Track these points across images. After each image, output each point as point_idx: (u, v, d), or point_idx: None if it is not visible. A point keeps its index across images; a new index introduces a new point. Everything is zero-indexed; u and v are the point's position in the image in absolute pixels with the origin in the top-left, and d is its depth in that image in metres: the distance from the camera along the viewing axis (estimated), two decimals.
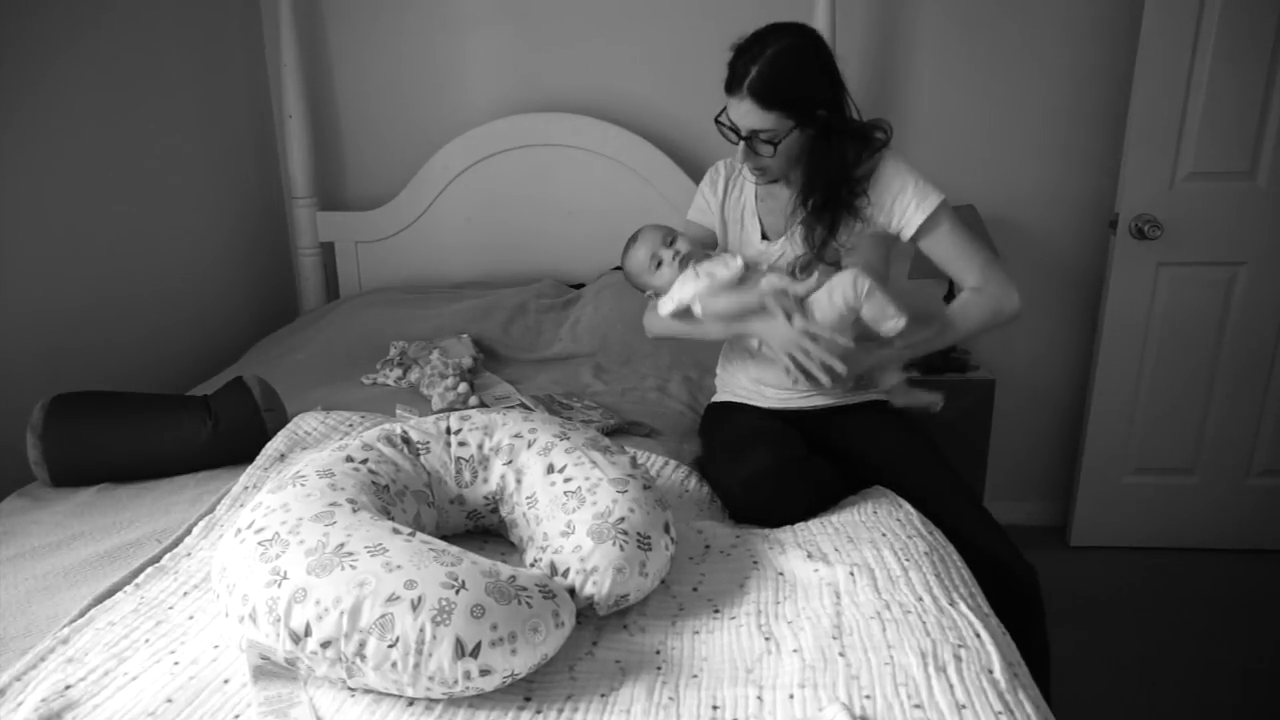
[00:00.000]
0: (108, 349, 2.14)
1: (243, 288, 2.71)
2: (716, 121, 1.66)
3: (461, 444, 1.45)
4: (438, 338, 2.31)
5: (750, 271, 1.71)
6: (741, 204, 1.82)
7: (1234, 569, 2.69)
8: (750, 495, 1.58)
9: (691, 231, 1.85)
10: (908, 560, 1.34)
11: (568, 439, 1.42)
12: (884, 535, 1.43)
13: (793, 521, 1.56)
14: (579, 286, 2.62)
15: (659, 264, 1.74)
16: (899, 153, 1.70)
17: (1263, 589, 2.60)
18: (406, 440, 1.44)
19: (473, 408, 1.95)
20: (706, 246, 1.83)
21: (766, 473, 1.58)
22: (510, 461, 1.43)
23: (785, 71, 1.57)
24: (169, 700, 1.05)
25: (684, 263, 1.72)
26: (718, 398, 1.92)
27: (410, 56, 2.73)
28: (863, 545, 1.40)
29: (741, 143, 1.63)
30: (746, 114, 1.59)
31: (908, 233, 1.68)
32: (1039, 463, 2.95)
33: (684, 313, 1.73)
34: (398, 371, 2.15)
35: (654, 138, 2.66)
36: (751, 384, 1.83)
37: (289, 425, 1.73)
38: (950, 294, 2.66)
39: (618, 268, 2.66)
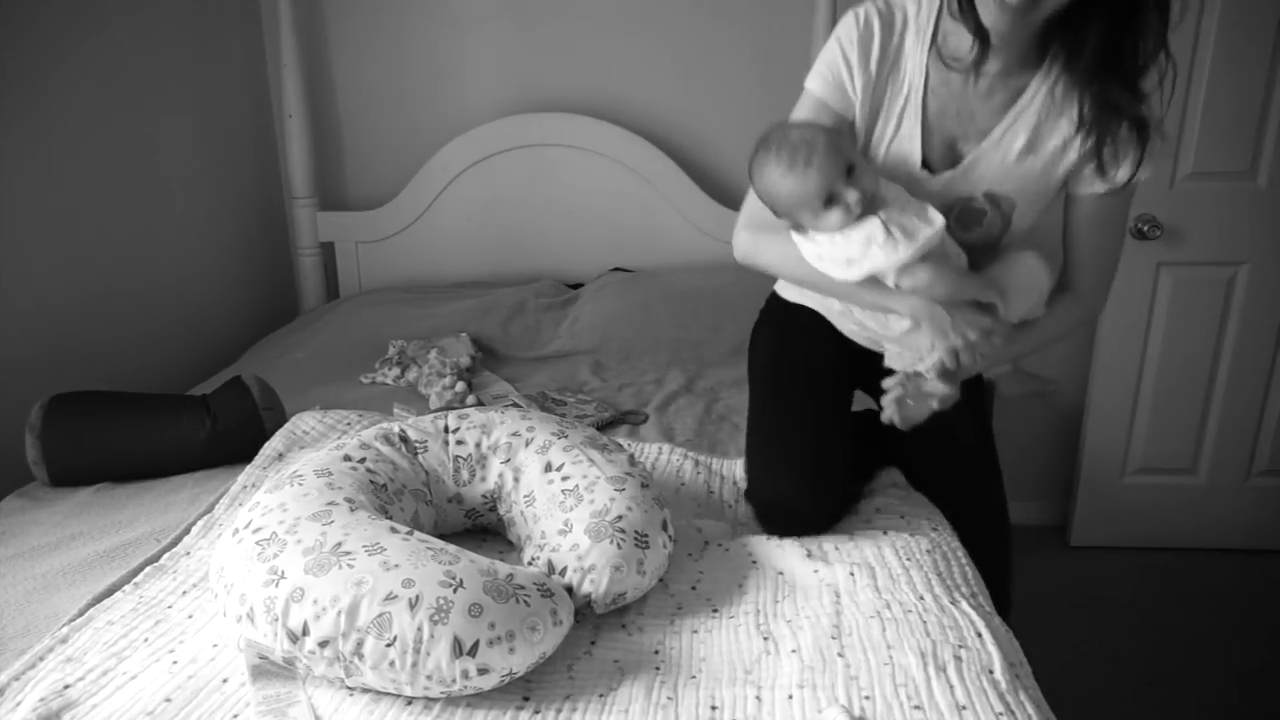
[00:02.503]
0: (107, 349, 2.14)
1: (243, 288, 2.71)
2: None
3: (459, 442, 1.45)
4: (436, 337, 2.31)
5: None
6: (902, 95, 1.26)
7: (1234, 569, 2.69)
8: (766, 522, 1.48)
9: (804, 107, 1.31)
10: (909, 559, 1.34)
11: (565, 437, 1.42)
12: (885, 534, 1.42)
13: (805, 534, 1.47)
14: (578, 286, 2.62)
15: (830, 201, 1.22)
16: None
17: (1263, 589, 2.59)
18: (404, 439, 1.44)
19: (470, 406, 1.95)
20: (855, 154, 1.27)
21: (786, 505, 1.44)
22: (508, 460, 1.43)
23: None
24: (168, 700, 1.05)
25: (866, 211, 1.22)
26: (790, 294, 1.54)
27: (410, 56, 2.72)
28: (863, 544, 1.40)
29: None
30: None
31: (1109, 179, 1.25)
32: (1039, 463, 2.94)
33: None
34: (396, 370, 2.15)
35: (654, 138, 2.66)
36: (841, 314, 1.46)
37: (287, 425, 1.73)
38: None
39: (617, 268, 2.67)
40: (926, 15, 1.25)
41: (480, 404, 1.99)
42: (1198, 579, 2.65)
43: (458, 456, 1.44)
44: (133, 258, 2.23)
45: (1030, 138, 1.27)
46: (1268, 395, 2.64)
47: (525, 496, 1.38)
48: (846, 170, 1.21)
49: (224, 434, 1.70)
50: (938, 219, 1.22)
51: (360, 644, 1.02)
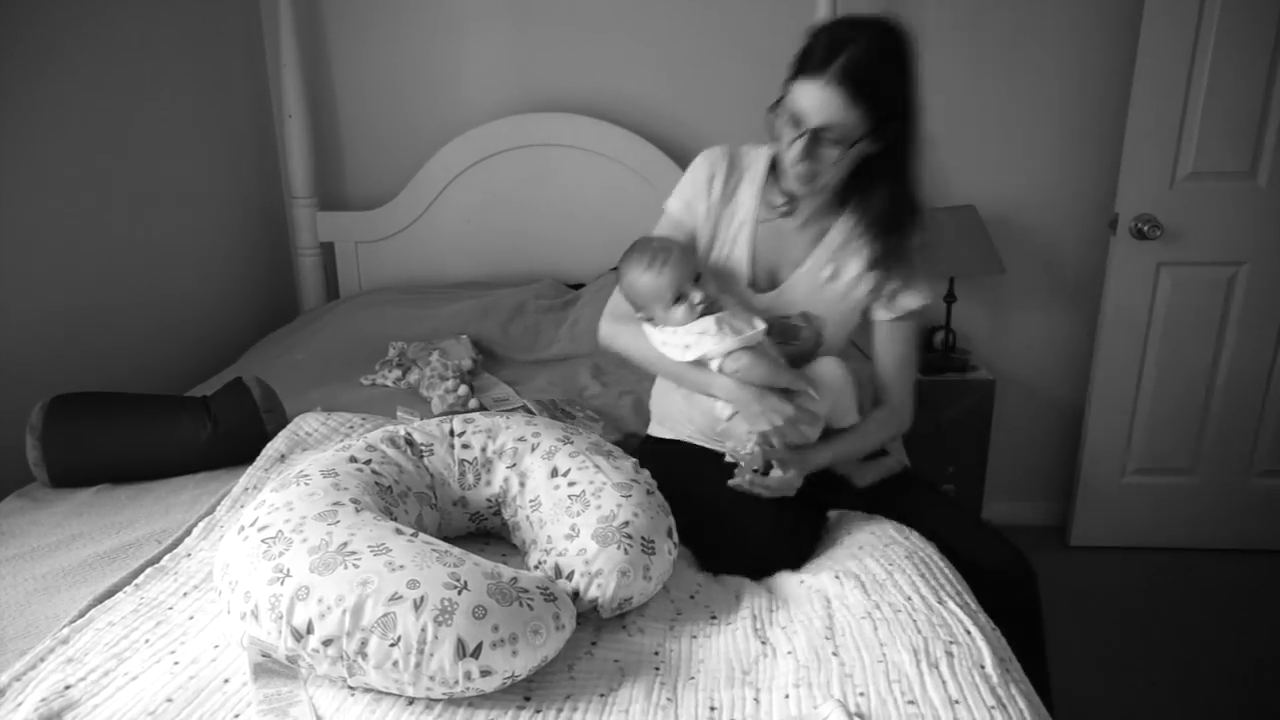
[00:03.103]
0: (107, 349, 2.14)
1: (243, 288, 2.71)
2: (771, 110, 1.43)
3: (465, 446, 1.45)
4: (436, 338, 2.31)
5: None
6: (736, 226, 1.55)
7: (1234, 569, 2.69)
8: (750, 572, 1.42)
9: (662, 225, 1.60)
10: (890, 565, 1.35)
11: (571, 443, 1.43)
12: (861, 548, 1.42)
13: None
14: (578, 287, 2.62)
15: (678, 299, 1.48)
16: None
17: (1263, 589, 2.60)
18: (410, 442, 1.44)
19: (473, 410, 1.95)
20: (700, 265, 1.58)
21: (761, 549, 1.43)
22: (514, 465, 1.43)
23: (882, 63, 1.36)
24: (169, 700, 1.05)
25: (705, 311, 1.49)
26: (659, 432, 1.71)
27: (410, 56, 2.73)
28: (844, 559, 1.40)
29: (801, 140, 1.38)
30: (826, 103, 1.35)
31: (901, 303, 1.54)
32: (1039, 463, 2.95)
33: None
34: (396, 372, 2.15)
35: (654, 138, 2.66)
36: (689, 421, 1.63)
37: (290, 426, 1.73)
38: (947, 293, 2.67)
39: (617, 269, 2.66)
40: (761, 167, 1.56)
41: (483, 408, 1.99)
42: (1197, 579, 2.65)
43: (463, 460, 1.44)
44: (133, 259, 2.23)
45: (834, 269, 1.56)
46: (1267, 395, 2.64)
47: (531, 501, 1.38)
48: (694, 277, 1.49)
49: (225, 435, 1.70)
50: (760, 324, 1.49)
51: (364, 643, 1.02)
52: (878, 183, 1.45)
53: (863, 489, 1.61)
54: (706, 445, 1.62)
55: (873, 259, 1.51)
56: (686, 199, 1.59)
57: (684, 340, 1.49)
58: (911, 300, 1.54)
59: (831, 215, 1.55)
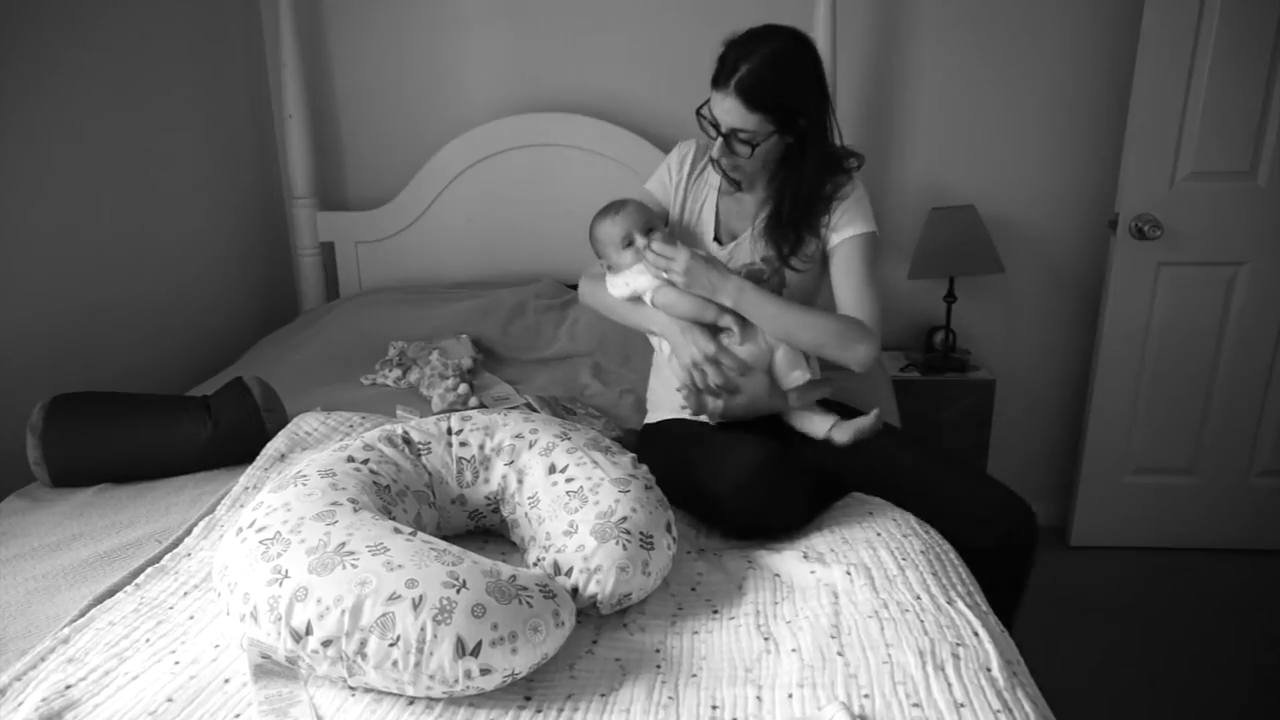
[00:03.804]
0: (107, 349, 2.14)
1: (243, 288, 2.71)
2: (698, 114, 1.64)
3: (463, 444, 1.45)
4: (437, 338, 2.31)
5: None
6: (704, 195, 1.80)
7: (1234, 569, 2.69)
8: (743, 500, 1.44)
9: (643, 198, 1.84)
10: (904, 560, 1.34)
11: (569, 439, 1.43)
12: (879, 535, 1.43)
13: (789, 529, 1.49)
14: (578, 286, 2.62)
15: (628, 244, 1.71)
16: (863, 184, 1.72)
17: (1263, 589, 2.60)
18: (408, 441, 1.44)
19: (473, 409, 1.95)
20: (660, 220, 1.80)
21: (758, 472, 1.44)
22: (512, 462, 1.43)
23: (776, 74, 1.55)
24: (169, 700, 1.06)
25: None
26: (654, 417, 1.84)
27: (410, 56, 2.73)
28: (859, 546, 1.40)
29: (719, 139, 1.62)
30: (730, 111, 1.57)
31: (832, 241, 1.69)
32: (1039, 463, 2.95)
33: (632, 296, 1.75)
34: (397, 372, 2.15)
35: (654, 138, 2.66)
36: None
37: (289, 425, 1.73)
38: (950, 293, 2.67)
39: None
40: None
41: (483, 406, 1.99)
42: (1197, 579, 2.65)
43: (461, 458, 1.44)
44: (133, 258, 2.23)
45: None
46: (1267, 395, 2.64)
47: (529, 498, 1.38)
48: (646, 230, 1.70)
49: (225, 435, 1.70)
50: (683, 252, 1.65)
51: (363, 643, 1.02)
52: (797, 162, 1.65)
53: (844, 445, 1.65)
54: (690, 418, 1.75)
55: (783, 222, 1.70)
56: (660, 177, 1.85)
57: (625, 280, 1.72)
58: (851, 228, 1.68)
59: (771, 187, 1.74)
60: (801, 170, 1.65)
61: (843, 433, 1.65)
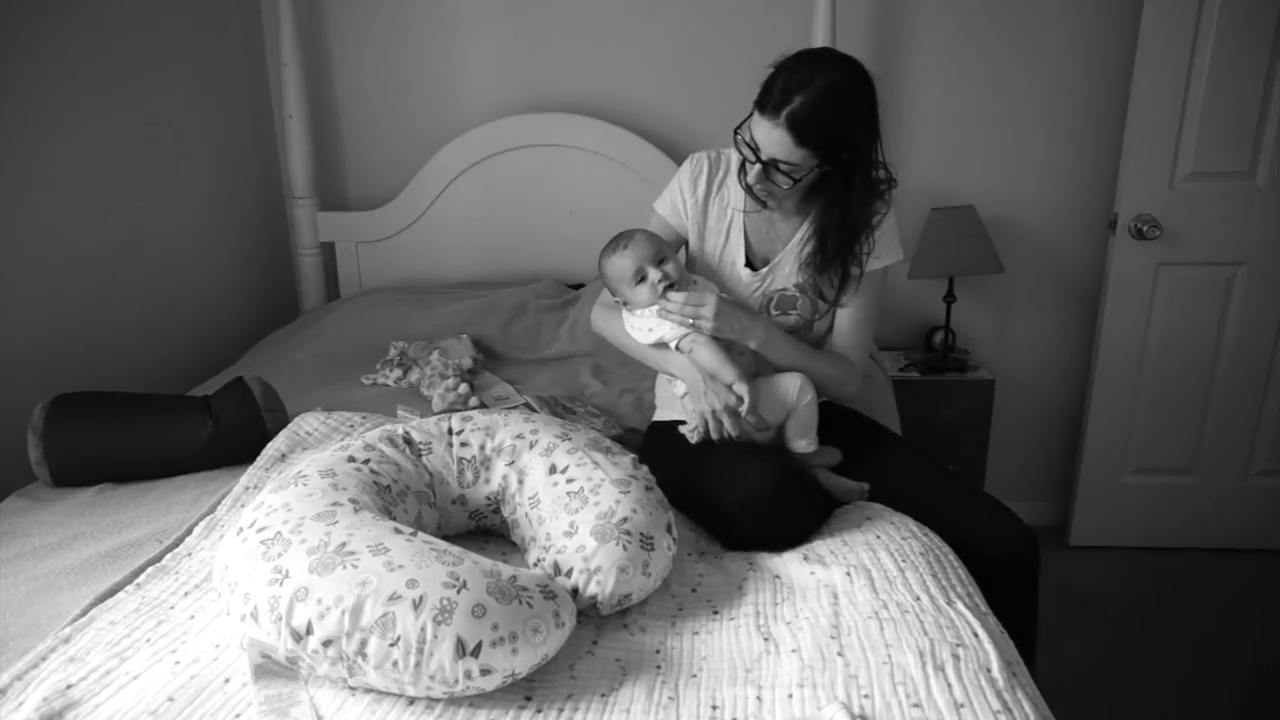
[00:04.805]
0: (108, 349, 2.14)
1: (243, 288, 2.71)
2: (735, 134, 1.56)
3: (463, 444, 1.45)
4: (437, 338, 2.31)
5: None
6: (728, 215, 1.71)
7: (1234, 569, 2.69)
8: (754, 516, 1.44)
9: (653, 224, 1.75)
10: (904, 561, 1.34)
11: (569, 440, 1.43)
12: (879, 538, 1.43)
13: (794, 545, 1.45)
14: (578, 286, 2.62)
15: (641, 279, 1.62)
16: (893, 206, 1.68)
17: (1263, 589, 2.60)
18: (408, 441, 1.44)
19: (473, 408, 1.95)
20: (672, 248, 1.71)
21: (770, 489, 1.44)
22: (512, 462, 1.43)
23: (832, 111, 1.46)
24: (170, 699, 1.06)
25: (667, 290, 1.62)
26: (662, 416, 1.80)
27: (410, 56, 2.73)
28: (858, 548, 1.40)
29: (758, 166, 1.54)
30: (776, 142, 1.49)
31: (866, 268, 1.66)
32: (1039, 463, 2.95)
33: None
34: (397, 372, 2.15)
35: (654, 138, 2.66)
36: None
37: (290, 425, 1.73)
38: (950, 293, 2.67)
39: None
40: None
41: (483, 406, 1.99)
42: (1196, 578, 2.65)
43: (462, 458, 1.44)
44: (133, 258, 2.23)
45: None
46: (1266, 395, 2.64)
47: (530, 498, 1.38)
48: (658, 260, 1.61)
49: (226, 435, 1.70)
50: (711, 298, 1.59)
51: (364, 644, 1.02)
52: (836, 195, 1.58)
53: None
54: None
55: (829, 255, 1.64)
56: (672, 198, 1.75)
57: (648, 324, 1.65)
58: (883, 258, 1.66)
59: (810, 204, 1.67)
60: (847, 201, 1.57)
61: (826, 479, 1.63)
